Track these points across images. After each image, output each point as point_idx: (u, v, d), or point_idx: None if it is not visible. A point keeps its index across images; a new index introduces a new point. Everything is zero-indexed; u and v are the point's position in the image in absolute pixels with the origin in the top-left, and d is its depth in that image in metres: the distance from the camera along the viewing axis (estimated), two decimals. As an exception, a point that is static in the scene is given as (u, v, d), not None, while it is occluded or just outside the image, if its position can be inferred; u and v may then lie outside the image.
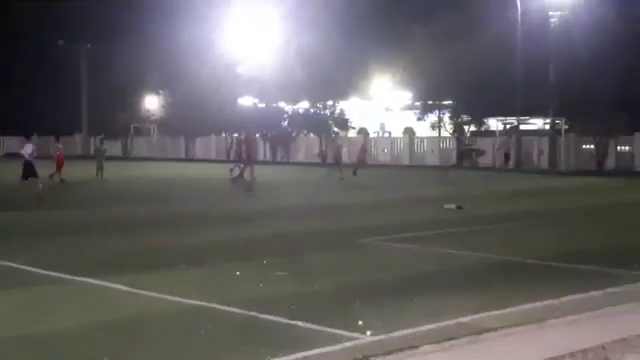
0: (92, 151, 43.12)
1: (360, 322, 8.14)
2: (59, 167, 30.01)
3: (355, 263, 11.83)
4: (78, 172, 32.26)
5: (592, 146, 43.30)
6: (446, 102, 49.19)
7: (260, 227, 16.30)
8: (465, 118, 48.22)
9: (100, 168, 32.35)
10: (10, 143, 64.16)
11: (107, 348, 7.27)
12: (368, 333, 7.62)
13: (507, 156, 42.60)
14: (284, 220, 17.70)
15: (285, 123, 54.42)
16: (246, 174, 30.15)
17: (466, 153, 47.51)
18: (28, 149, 28.30)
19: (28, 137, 33.04)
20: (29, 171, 27.55)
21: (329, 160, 40.81)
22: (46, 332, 7.74)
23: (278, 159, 54.23)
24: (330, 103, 53.03)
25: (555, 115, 43.03)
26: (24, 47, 60.08)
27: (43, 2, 59.84)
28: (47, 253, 12.70)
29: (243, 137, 34.61)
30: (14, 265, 11.31)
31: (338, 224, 16.80)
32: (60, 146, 32.32)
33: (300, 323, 7.96)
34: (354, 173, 34.63)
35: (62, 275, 10.56)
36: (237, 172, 31.11)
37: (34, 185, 26.67)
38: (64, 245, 13.72)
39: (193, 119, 54.01)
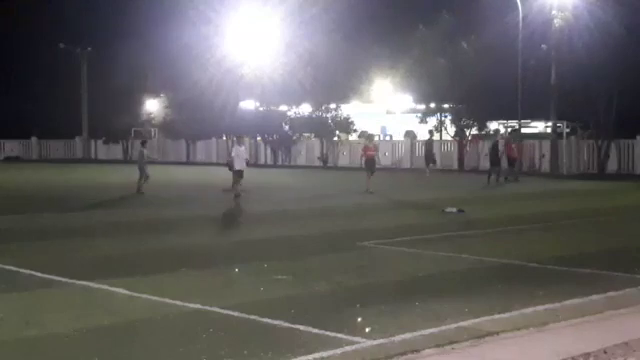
0: (135, 156, 34.31)
1: (361, 326, 8.13)
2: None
3: (355, 266, 11.80)
4: (81, 176, 32.18)
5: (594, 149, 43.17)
6: (447, 105, 49.03)
7: (260, 230, 16.30)
8: (467, 121, 48.10)
9: (142, 177, 25.79)
10: (10, 146, 64.18)
11: (107, 351, 7.26)
12: (369, 337, 7.61)
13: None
14: (284, 223, 17.68)
15: (286, 127, 54.37)
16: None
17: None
18: (245, 151, 25.73)
19: (238, 138, 27.06)
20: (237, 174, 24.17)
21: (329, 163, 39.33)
22: (45, 335, 7.76)
23: (279, 162, 54.22)
24: (332, 106, 52.95)
25: (557, 118, 42.98)
26: (24, 50, 60.07)
27: (44, 5, 59.92)
28: (46, 256, 12.70)
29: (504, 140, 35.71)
30: None
31: (338, 227, 16.77)
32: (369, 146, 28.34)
33: (301, 327, 7.95)
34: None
35: (61, 278, 10.55)
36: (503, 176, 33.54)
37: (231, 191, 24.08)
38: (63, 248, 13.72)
39: (194, 122, 53.96)
